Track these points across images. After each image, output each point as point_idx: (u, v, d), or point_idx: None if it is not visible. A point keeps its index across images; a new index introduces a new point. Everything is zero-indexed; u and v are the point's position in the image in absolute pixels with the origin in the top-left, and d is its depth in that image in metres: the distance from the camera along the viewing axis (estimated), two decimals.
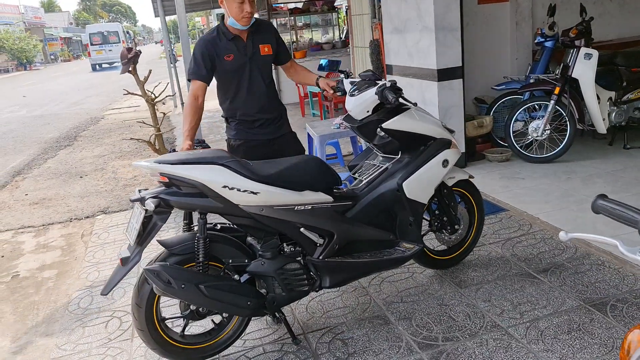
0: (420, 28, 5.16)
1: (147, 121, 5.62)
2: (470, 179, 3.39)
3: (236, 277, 2.69)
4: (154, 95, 5.36)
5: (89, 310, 3.55)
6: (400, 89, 2.93)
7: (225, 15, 3.16)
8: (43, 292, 3.99)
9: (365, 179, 3.06)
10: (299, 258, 2.78)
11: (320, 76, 3.38)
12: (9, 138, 10.99)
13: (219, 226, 2.78)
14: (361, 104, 2.96)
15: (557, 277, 3.22)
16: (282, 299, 2.75)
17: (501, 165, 5.38)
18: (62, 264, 4.45)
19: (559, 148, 5.22)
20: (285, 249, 2.77)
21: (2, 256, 4.80)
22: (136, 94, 5.44)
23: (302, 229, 2.72)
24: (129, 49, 5.13)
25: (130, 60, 5.05)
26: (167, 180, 2.46)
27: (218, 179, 2.48)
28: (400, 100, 2.92)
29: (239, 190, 2.51)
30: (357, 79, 3.10)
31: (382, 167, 3.08)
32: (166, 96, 5.79)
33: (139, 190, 2.52)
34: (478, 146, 5.67)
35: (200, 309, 2.67)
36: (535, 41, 5.72)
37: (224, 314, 2.78)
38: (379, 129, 2.95)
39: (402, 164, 3.02)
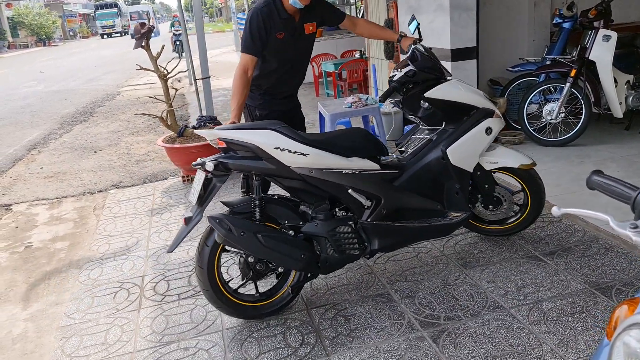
0: (434, 7, 5.08)
1: (160, 98, 5.63)
2: (525, 168, 3.27)
3: (291, 232, 2.86)
4: (167, 71, 5.36)
5: (99, 281, 3.62)
6: (409, 85, 3.05)
7: None
8: (55, 262, 4.06)
9: (411, 150, 3.16)
10: (350, 222, 2.90)
11: (403, 34, 3.38)
12: (26, 112, 11.11)
13: (276, 196, 2.93)
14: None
15: (563, 260, 3.20)
16: (335, 260, 2.89)
17: (514, 147, 5.32)
18: (74, 236, 4.53)
19: (573, 131, 5.14)
20: (337, 213, 2.93)
21: (17, 227, 4.90)
22: (149, 70, 5.45)
23: (350, 190, 2.86)
24: (142, 24, 5.12)
25: (144, 35, 5.05)
26: (224, 146, 2.70)
27: (271, 141, 2.67)
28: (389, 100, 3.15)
29: (289, 151, 2.69)
30: (420, 48, 3.17)
31: (427, 138, 3.15)
32: (178, 72, 5.79)
33: (200, 158, 2.72)
34: None
35: (257, 266, 2.84)
36: (553, 22, 5.61)
37: (280, 269, 2.92)
38: (422, 101, 3.07)
39: (446, 133, 3.09)
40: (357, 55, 9.28)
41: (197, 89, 6.36)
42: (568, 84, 5.04)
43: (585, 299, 2.80)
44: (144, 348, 2.84)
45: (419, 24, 3.30)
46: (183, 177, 5.56)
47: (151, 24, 5.26)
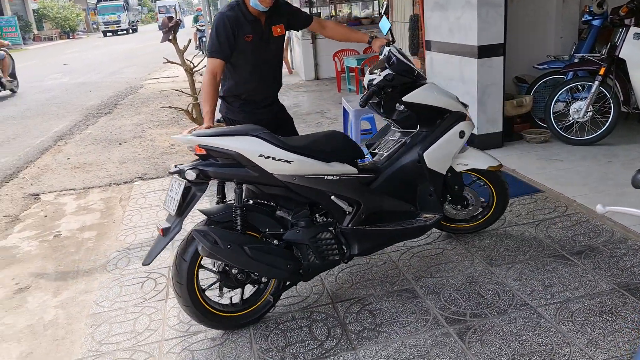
0: (462, 3, 5.05)
1: (185, 91, 5.69)
2: (492, 170, 3.36)
3: (275, 242, 2.80)
4: (193, 64, 5.41)
5: (126, 270, 3.68)
6: (388, 89, 3.03)
7: None
8: (83, 251, 4.14)
9: (385, 152, 3.18)
10: (330, 228, 2.89)
11: (373, 36, 3.38)
12: (52, 104, 11.29)
13: (250, 202, 2.86)
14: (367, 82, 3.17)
15: (591, 260, 3.17)
16: (316, 267, 2.86)
17: (539, 146, 5.27)
18: (101, 226, 4.61)
19: (600, 130, 5.07)
20: (318, 219, 2.90)
21: (46, 216, 5.00)
22: (175, 63, 5.51)
23: (332, 197, 2.84)
24: (170, 18, 5.18)
25: (171, 29, 5.10)
26: (204, 152, 2.58)
27: (254, 148, 2.59)
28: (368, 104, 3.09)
29: (273, 159, 2.62)
30: (386, 51, 3.16)
31: (401, 141, 3.18)
32: (204, 66, 5.83)
33: (175, 165, 2.62)
34: (516, 126, 5.56)
35: (239, 276, 2.76)
36: (582, 19, 5.53)
37: (263, 279, 2.87)
38: (397, 104, 3.08)
39: (420, 136, 3.14)
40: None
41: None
42: (597, 82, 4.97)
43: (614, 300, 2.77)
44: (172, 337, 2.89)
45: (391, 25, 3.39)
46: None
47: (178, 17, 5.30)
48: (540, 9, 6.06)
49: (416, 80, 3.12)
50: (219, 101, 3.36)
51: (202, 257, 2.70)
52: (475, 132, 5.21)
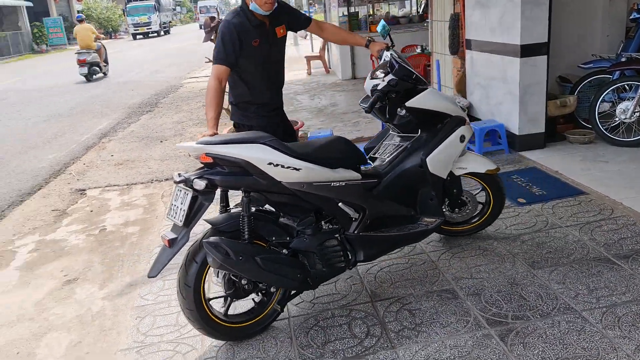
0: (505, 1, 4.97)
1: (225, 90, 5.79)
2: (491, 173, 3.41)
3: (284, 251, 2.79)
4: None
5: (169, 265, 3.75)
6: (396, 93, 3.03)
7: None
8: (127, 246, 4.27)
9: (387, 157, 3.19)
10: (336, 235, 2.89)
11: (370, 39, 3.41)
12: (96, 102, 11.62)
13: (253, 209, 2.79)
14: (368, 87, 3.17)
15: (639, 265, 3.08)
16: (323, 275, 2.87)
17: (583, 147, 5.15)
18: (144, 222, 4.73)
19: None
20: (323, 226, 2.89)
21: (91, 211, 5.16)
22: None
23: (340, 204, 2.84)
24: (212, 18, 5.27)
25: (213, 29, 5.19)
26: (210, 161, 2.54)
27: (263, 156, 2.56)
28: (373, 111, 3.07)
29: (282, 166, 2.60)
30: (388, 56, 3.18)
31: (402, 145, 3.19)
32: None
33: (179, 174, 2.57)
34: (559, 126, 5.44)
35: (246, 286, 2.74)
36: (631, 17, 5.38)
37: (272, 288, 2.83)
38: (399, 109, 3.10)
39: (421, 141, 3.15)
40: (419, 50, 9.18)
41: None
42: None
43: None
44: None
45: (389, 29, 3.38)
46: None
47: (220, 18, 5.39)
48: (586, 6, 5.92)
49: (417, 85, 3.14)
50: (231, 108, 3.43)
51: (208, 268, 2.66)
52: (516, 132, 5.14)
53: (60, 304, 3.47)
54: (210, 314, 2.72)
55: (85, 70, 14.95)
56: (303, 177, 2.67)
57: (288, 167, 2.61)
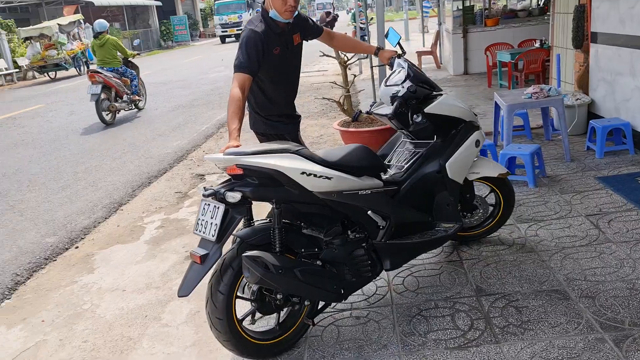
0: None
1: (339, 83, 5.94)
2: (503, 177, 3.43)
3: (318, 262, 2.73)
4: (347, 58, 5.63)
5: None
6: (415, 99, 3.07)
7: (267, 5, 3.05)
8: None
9: (403, 164, 3.16)
10: (363, 244, 2.85)
11: (380, 47, 3.44)
12: (215, 95, 12.35)
13: (268, 221, 2.73)
14: (386, 94, 3.15)
15: None
16: (353, 285, 2.83)
17: None
18: (258, 207, 4.99)
19: None
20: (350, 236, 2.83)
21: None
22: (330, 56, 5.77)
23: (369, 212, 2.81)
24: (327, 13, 5.43)
25: (329, 23, 5.35)
26: (240, 172, 2.44)
27: (296, 165, 2.50)
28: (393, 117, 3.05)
29: (315, 176, 2.54)
30: (404, 64, 3.19)
31: (417, 152, 3.18)
32: (357, 59, 6.02)
33: (205, 187, 2.50)
34: None
35: (278, 301, 2.63)
36: None
37: (305, 302, 2.74)
38: (415, 115, 3.08)
39: (437, 147, 3.14)
40: (537, 44, 8.77)
41: (372, 76, 6.56)
42: None
43: None
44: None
45: (400, 37, 3.34)
46: None
47: (335, 13, 5.53)
48: None
49: (433, 90, 3.15)
50: (251, 117, 3.33)
51: (238, 287, 2.55)
52: None
53: (182, 276, 3.79)
54: (248, 337, 2.62)
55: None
56: (334, 185, 2.62)
57: (320, 177, 2.55)
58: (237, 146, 2.54)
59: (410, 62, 3.24)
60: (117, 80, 9.94)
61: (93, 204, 5.54)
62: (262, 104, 3.24)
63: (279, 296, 2.62)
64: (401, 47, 3.39)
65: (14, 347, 3.15)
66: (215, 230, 2.39)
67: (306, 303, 2.74)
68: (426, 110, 3.09)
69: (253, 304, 2.65)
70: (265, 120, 3.27)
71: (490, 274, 3.22)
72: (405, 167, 3.15)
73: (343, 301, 2.84)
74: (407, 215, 3.04)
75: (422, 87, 3.12)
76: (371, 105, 3.37)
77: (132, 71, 10.60)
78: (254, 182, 2.47)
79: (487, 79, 9.83)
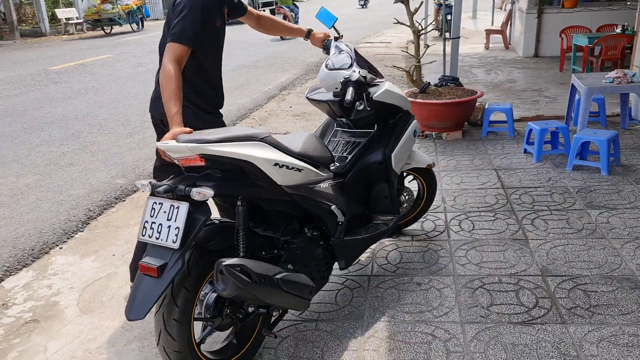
0: None
1: (397, 57, 5.84)
2: (430, 168, 3.41)
3: (290, 266, 2.44)
4: (421, 26, 5.51)
5: None
6: (366, 85, 2.84)
7: None
8: None
9: (343, 154, 2.99)
10: (321, 242, 2.62)
11: (310, 30, 3.18)
12: (277, 58, 12.38)
13: (218, 221, 2.32)
14: (332, 79, 2.87)
15: None
16: (316, 289, 2.54)
17: None
18: None
19: None
20: (307, 233, 2.56)
21: None
22: (404, 24, 5.66)
23: (333, 207, 2.57)
24: None
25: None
26: (201, 164, 2.03)
27: (269, 156, 2.16)
28: (357, 103, 2.80)
29: (287, 167, 2.25)
30: (343, 46, 3.00)
31: (357, 142, 3.02)
32: (432, 29, 5.89)
33: (151, 183, 2.05)
34: None
35: (240, 314, 2.29)
36: None
37: (273, 312, 2.43)
38: (358, 103, 2.81)
39: (378, 137, 3.00)
40: (618, 30, 8.33)
41: (444, 49, 6.41)
42: None
43: None
44: (380, 274, 3.12)
45: (336, 19, 3.09)
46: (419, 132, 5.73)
47: None
48: None
49: (377, 77, 2.98)
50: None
51: (194, 307, 2.14)
52: None
53: None
54: (200, 354, 2.23)
55: None
56: (303, 178, 2.36)
57: (292, 168, 2.27)
58: (189, 132, 2.14)
59: (349, 45, 3.02)
60: None
61: None
62: (198, 90, 2.64)
63: (250, 309, 2.29)
64: (336, 30, 3.13)
65: (87, 276, 3.33)
66: (176, 235, 1.95)
67: (274, 313, 2.43)
68: (375, 97, 2.89)
69: (210, 322, 2.28)
70: (198, 110, 2.64)
71: (557, 255, 3.15)
72: (349, 157, 2.93)
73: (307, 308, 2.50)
74: (355, 209, 2.85)
75: (371, 73, 2.92)
76: (311, 92, 3.14)
77: None
78: (217, 175, 2.12)
79: (559, 62, 9.45)
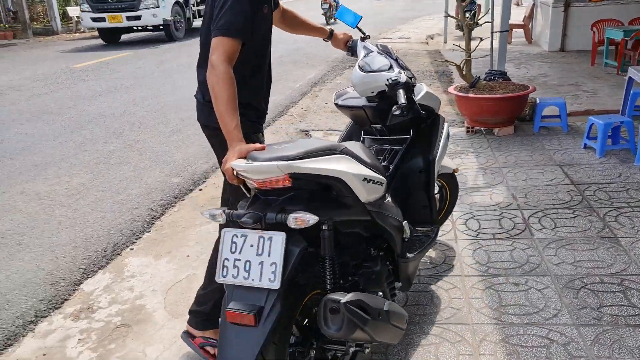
0: None
1: (418, 53, 5.74)
2: (455, 173, 3.25)
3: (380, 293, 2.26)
4: (473, 20, 5.42)
5: None
6: (413, 87, 2.58)
7: None
8: None
9: (384, 164, 2.69)
10: (387, 263, 2.35)
11: (332, 30, 2.87)
12: (300, 54, 12.27)
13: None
14: (369, 82, 2.61)
15: None
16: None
17: None
18: None
19: None
20: (373, 254, 2.30)
21: None
22: (453, 17, 5.57)
23: (404, 222, 2.40)
24: None
25: None
26: (288, 185, 1.73)
27: (357, 170, 1.94)
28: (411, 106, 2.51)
29: (373, 182, 2.03)
30: (372, 47, 2.75)
31: (393, 149, 2.77)
32: (485, 22, 5.80)
33: (224, 211, 1.76)
34: None
35: (340, 354, 2.04)
36: None
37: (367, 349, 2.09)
38: (395, 107, 2.46)
39: (416, 142, 2.76)
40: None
41: (491, 42, 6.31)
42: None
43: None
44: (472, 274, 3.03)
45: (361, 17, 2.82)
46: (467, 128, 5.64)
47: None
48: None
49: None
50: (204, 108, 2.30)
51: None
52: None
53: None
54: None
55: None
56: (380, 193, 2.14)
57: (376, 183, 2.05)
58: (262, 148, 1.83)
59: (383, 45, 2.79)
60: None
61: (207, 150, 5.59)
62: (252, 91, 2.25)
63: (351, 349, 2.00)
64: (361, 30, 2.88)
65: (166, 278, 3.25)
66: (273, 273, 1.67)
67: (367, 350, 2.09)
68: (418, 100, 2.65)
69: None
70: (254, 118, 2.31)
71: None
72: (390, 167, 2.68)
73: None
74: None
75: (410, 75, 2.65)
76: (341, 97, 2.89)
77: None
78: (304, 197, 1.84)
79: (588, 56, 9.34)
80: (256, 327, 1.64)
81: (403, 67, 2.66)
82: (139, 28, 15.66)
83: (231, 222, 1.77)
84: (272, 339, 1.68)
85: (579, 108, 6.33)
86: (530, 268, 3.05)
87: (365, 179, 1.98)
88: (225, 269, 1.74)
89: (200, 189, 4.62)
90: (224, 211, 1.75)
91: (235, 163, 1.76)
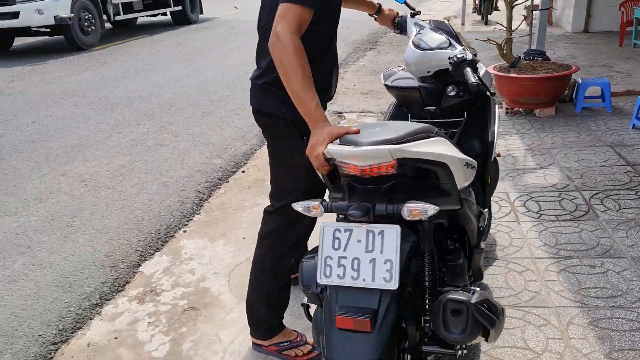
0: None
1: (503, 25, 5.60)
2: (498, 157, 2.89)
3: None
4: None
5: None
6: (477, 63, 2.35)
7: None
8: None
9: None
10: (464, 254, 2.10)
11: (381, 5, 2.66)
12: None
13: None
14: (427, 61, 2.40)
15: None
16: None
17: None
18: None
19: None
20: (450, 246, 2.06)
21: None
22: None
23: (485, 210, 2.27)
24: None
25: None
26: (391, 171, 1.55)
27: (459, 154, 1.76)
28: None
29: (471, 167, 1.85)
30: (424, 23, 2.55)
31: (447, 133, 2.45)
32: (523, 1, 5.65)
33: (322, 202, 1.59)
34: None
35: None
36: None
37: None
38: (449, 88, 2.38)
39: (470, 125, 2.53)
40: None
41: (531, 21, 6.17)
42: None
43: None
44: (543, 257, 2.95)
45: None
46: (507, 108, 5.52)
47: None
48: None
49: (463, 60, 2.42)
50: (261, 93, 2.08)
51: None
52: None
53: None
54: None
55: None
56: (472, 179, 1.91)
57: (472, 167, 1.85)
58: (357, 131, 1.63)
59: (436, 21, 2.60)
60: None
61: (243, 131, 5.51)
62: (323, 70, 2.05)
63: (459, 352, 1.73)
64: (409, 6, 2.70)
65: (226, 260, 3.18)
66: (389, 271, 1.50)
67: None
68: (481, 77, 2.37)
69: None
70: (323, 100, 2.03)
71: None
72: None
73: None
74: None
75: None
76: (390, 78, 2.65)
77: None
78: (409, 185, 1.67)
79: (617, 37, 9.16)
80: (372, 333, 1.48)
81: (462, 44, 2.50)
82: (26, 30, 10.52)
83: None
84: (390, 345, 1.51)
85: (617, 89, 6.20)
86: (603, 250, 2.96)
87: (467, 163, 1.80)
88: (328, 268, 1.55)
89: (243, 171, 4.53)
90: (321, 203, 1.58)
91: (336, 148, 1.56)
